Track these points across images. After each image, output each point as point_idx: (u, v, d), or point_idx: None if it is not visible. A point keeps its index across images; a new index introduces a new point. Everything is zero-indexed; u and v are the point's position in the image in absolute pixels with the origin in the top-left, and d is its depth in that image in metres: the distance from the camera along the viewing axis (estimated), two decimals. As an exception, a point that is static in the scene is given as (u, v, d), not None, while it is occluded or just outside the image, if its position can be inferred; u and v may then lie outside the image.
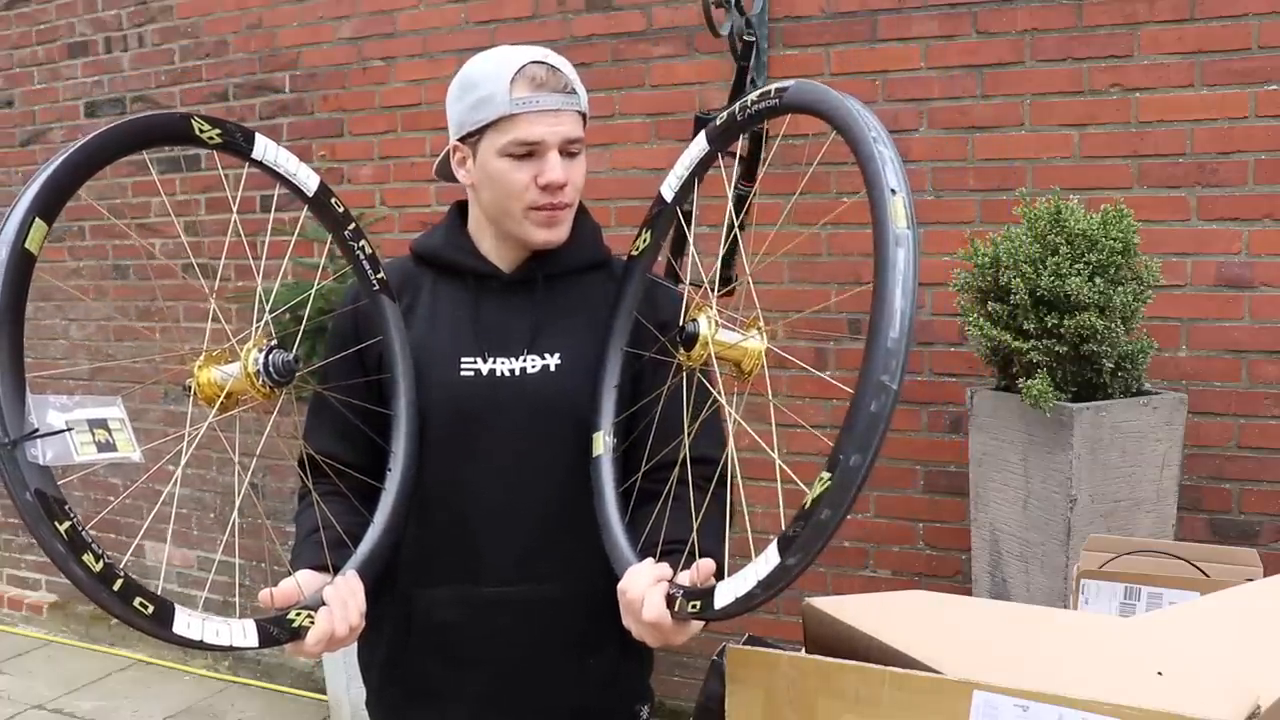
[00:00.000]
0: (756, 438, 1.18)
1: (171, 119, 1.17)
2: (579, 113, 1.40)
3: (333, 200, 1.36)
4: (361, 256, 1.40)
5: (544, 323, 1.44)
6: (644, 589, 1.17)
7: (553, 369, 1.42)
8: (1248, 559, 1.84)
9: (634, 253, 1.43)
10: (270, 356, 1.21)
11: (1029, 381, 2.19)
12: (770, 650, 1.09)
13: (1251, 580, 1.65)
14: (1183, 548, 1.91)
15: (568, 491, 1.40)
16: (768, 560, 1.00)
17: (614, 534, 1.32)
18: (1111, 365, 2.23)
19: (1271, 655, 1.09)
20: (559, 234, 1.42)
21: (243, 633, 1.14)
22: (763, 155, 2.61)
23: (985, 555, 2.45)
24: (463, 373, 1.42)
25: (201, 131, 1.18)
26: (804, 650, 1.14)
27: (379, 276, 1.42)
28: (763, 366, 1.21)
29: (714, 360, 1.19)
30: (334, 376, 1.49)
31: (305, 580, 1.28)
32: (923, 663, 1.04)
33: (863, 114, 1.05)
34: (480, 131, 1.38)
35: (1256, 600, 1.32)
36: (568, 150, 1.39)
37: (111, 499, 4.41)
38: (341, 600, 1.24)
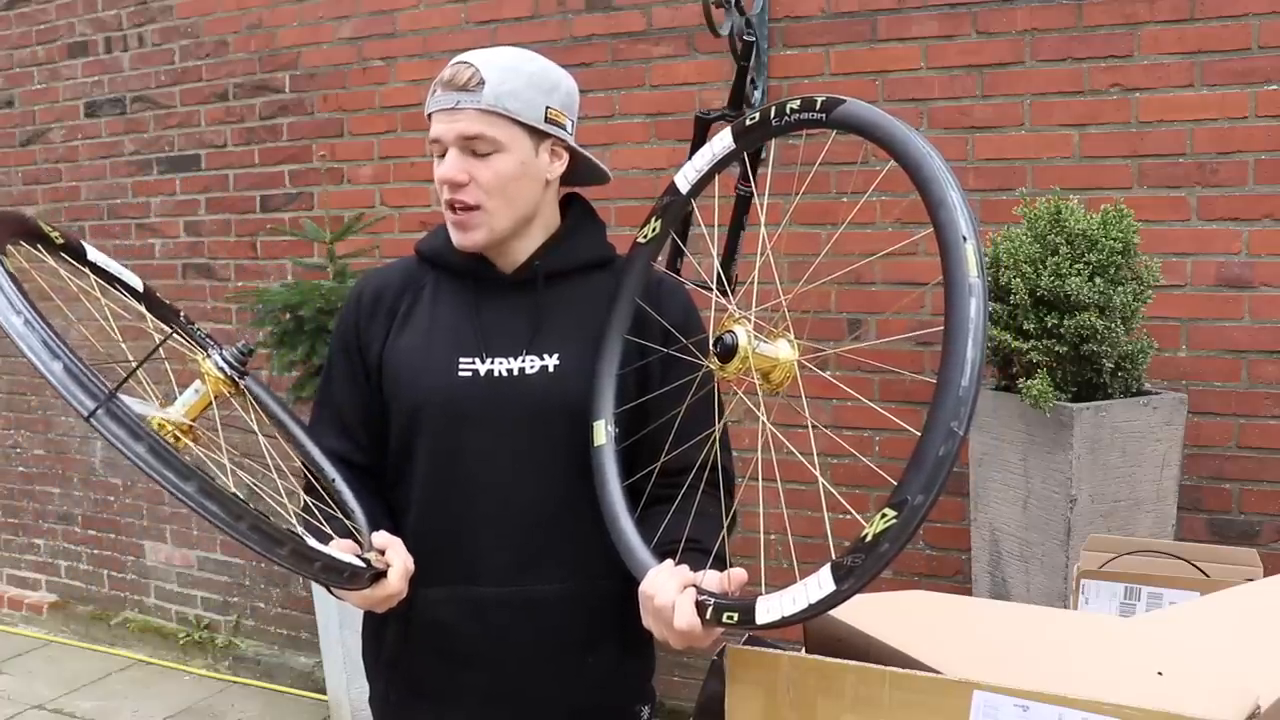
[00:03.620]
0: (803, 459, 1.16)
1: (22, 219, 1.25)
2: (482, 110, 1.35)
3: (157, 294, 1.45)
4: (203, 335, 1.45)
5: (544, 323, 1.44)
6: (672, 596, 1.16)
7: (551, 370, 1.41)
8: (1248, 559, 1.84)
9: (640, 240, 1.40)
10: (222, 355, 1.29)
11: (1029, 381, 2.19)
12: (770, 650, 1.09)
13: (1251, 580, 1.66)
14: (1183, 548, 1.91)
15: (566, 492, 1.40)
16: (820, 586, 1.01)
17: (623, 530, 1.30)
18: (1111, 365, 2.23)
19: (1271, 655, 1.09)
20: (469, 239, 1.40)
21: (349, 560, 1.20)
22: (763, 154, 2.61)
23: (985, 555, 2.45)
24: (460, 373, 1.42)
25: (49, 231, 1.26)
26: (804, 650, 1.14)
27: (231, 350, 1.38)
28: (795, 379, 1.18)
29: (754, 373, 1.17)
30: (337, 374, 1.50)
31: (344, 544, 1.30)
32: (923, 663, 1.04)
33: (931, 152, 1.04)
34: None
35: (1256, 600, 1.32)
36: (472, 149, 1.37)
37: (112, 499, 4.41)
38: (393, 543, 1.30)
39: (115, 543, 4.45)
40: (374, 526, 1.36)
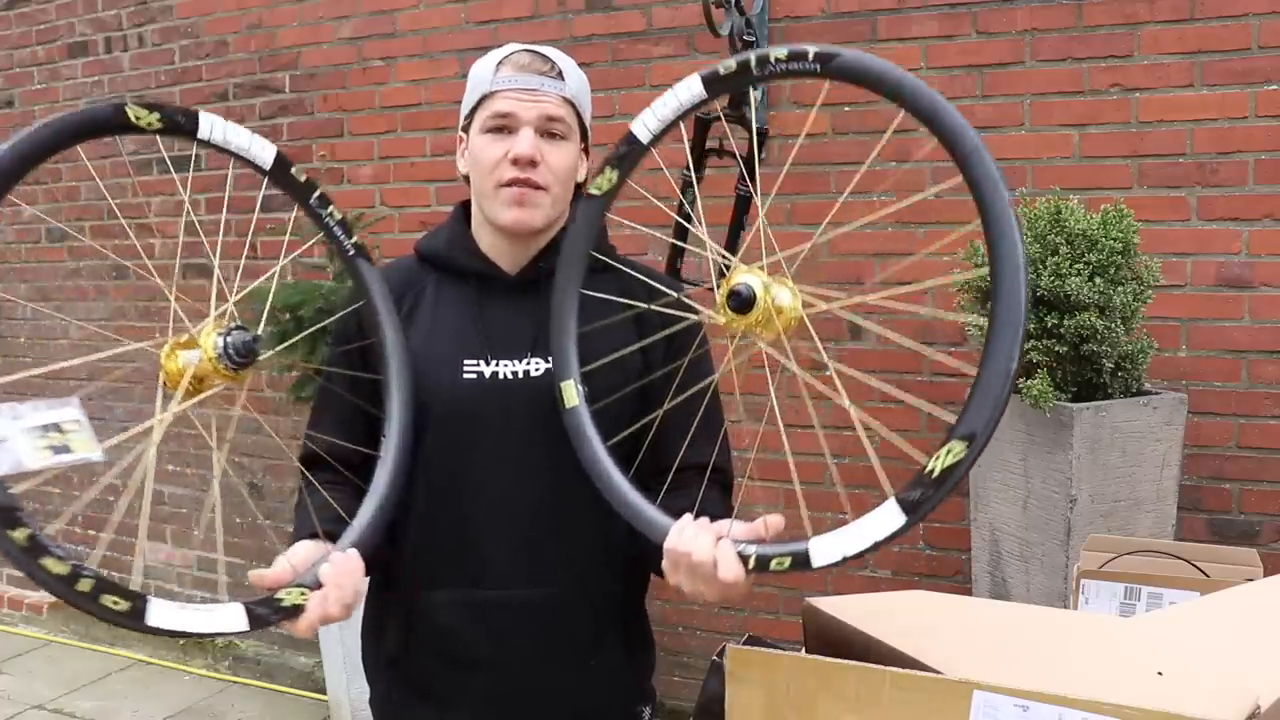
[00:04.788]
0: (851, 408, 1.11)
1: (103, 112, 1.14)
2: (564, 98, 1.40)
3: (293, 170, 1.33)
4: (332, 223, 1.38)
5: (547, 325, 1.43)
6: (710, 549, 1.13)
7: None
8: (1248, 559, 1.84)
9: (594, 191, 1.31)
10: (229, 338, 1.18)
11: (1029, 381, 2.19)
12: (770, 650, 1.09)
13: (1251, 580, 1.66)
14: (1183, 548, 1.91)
15: (569, 494, 1.39)
16: (887, 522, 1.03)
17: (621, 489, 1.24)
18: (1111, 365, 2.23)
19: (1271, 655, 1.09)
20: (528, 216, 1.39)
21: (229, 620, 1.13)
22: (762, 155, 2.61)
23: (985, 555, 2.45)
24: (465, 375, 1.41)
25: (138, 119, 1.15)
26: (804, 650, 1.14)
27: (354, 241, 1.40)
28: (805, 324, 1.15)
29: (774, 319, 1.12)
30: (337, 377, 1.49)
31: (303, 551, 1.26)
32: (923, 663, 1.04)
33: (944, 100, 1.05)
34: (471, 116, 1.44)
35: (1256, 600, 1.32)
36: (548, 131, 1.39)
37: (111, 499, 4.41)
38: (337, 581, 1.22)
39: (115, 543, 4.45)
40: (373, 534, 1.30)
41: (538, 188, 1.39)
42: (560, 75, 1.41)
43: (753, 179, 2.59)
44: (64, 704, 3.83)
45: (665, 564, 1.18)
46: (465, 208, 1.52)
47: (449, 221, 1.53)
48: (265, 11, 3.82)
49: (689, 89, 1.21)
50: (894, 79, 1.07)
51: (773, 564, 1.09)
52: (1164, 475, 2.26)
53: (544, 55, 1.41)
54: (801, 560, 1.07)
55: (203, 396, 1.19)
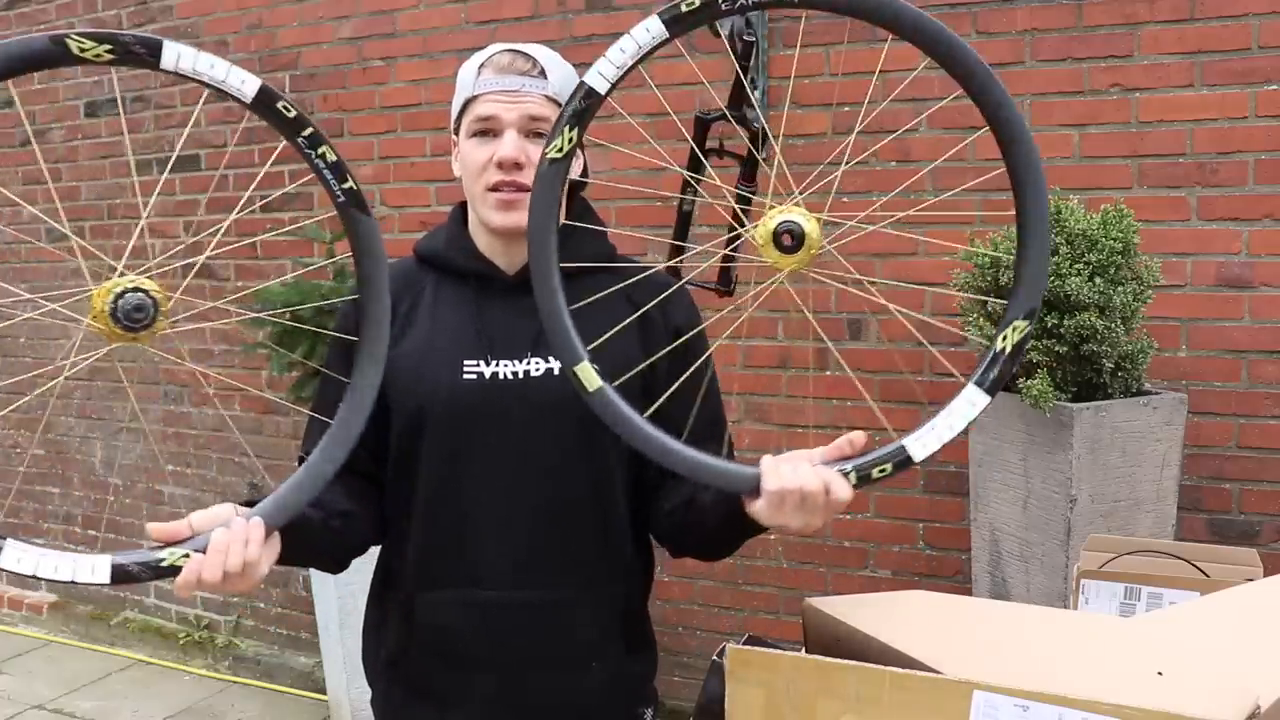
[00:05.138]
0: (891, 310, 1.18)
1: (38, 42, 1.05)
2: (548, 96, 1.40)
3: (280, 104, 1.20)
4: (322, 165, 1.23)
5: None
6: (815, 477, 1.15)
7: (556, 372, 1.40)
8: (1248, 559, 1.84)
9: (555, 155, 1.19)
10: (122, 299, 1.10)
11: (1029, 381, 2.19)
12: (770, 650, 1.09)
13: (1251, 580, 1.66)
14: (1183, 548, 1.91)
15: (570, 495, 1.40)
16: (974, 404, 1.11)
17: (682, 453, 1.19)
18: (1111, 365, 2.24)
19: (1271, 655, 1.09)
20: (516, 218, 1.37)
21: (90, 569, 1.11)
22: (763, 155, 2.61)
23: (985, 555, 2.45)
24: (465, 375, 1.41)
25: (83, 51, 1.04)
26: (804, 650, 1.14)
27: (345, 186, 1.25)
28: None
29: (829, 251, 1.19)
30: (336, 380, 1.48)
31: (213, 512, 1.20)
32: (923, 663, 1.04)
33: (943, 25, 1.08)
34: (459, 120, 1.44)
35: (1256, 600, 1.32)
36: (532, 131, 1.39)
37: (111, 499, 4.41)
38: (222, 547, 1.16)
39: (115, 543, 4.45)
40: (289, 507, 1.22)
41: (525, 189, 1.37)
42: (542, 73, 1.40)
43: (753, 178, 2.59)
44: (64, 704, 3.83)
45: (765, 506, 1.17)
46: (464, 208, 1.52)
47: (448, 222, 1.53)
48: (265, 11, 3.81)
49: (648, 30, 1.13)
50: (891, 5, 1.06)
51: (874, 473, 1.14)
52: (1164, 475, 2.26)
53: (525, 54, 1.41)
54: (902, 460, 1.13)
55: (111, 348, 1.15)
